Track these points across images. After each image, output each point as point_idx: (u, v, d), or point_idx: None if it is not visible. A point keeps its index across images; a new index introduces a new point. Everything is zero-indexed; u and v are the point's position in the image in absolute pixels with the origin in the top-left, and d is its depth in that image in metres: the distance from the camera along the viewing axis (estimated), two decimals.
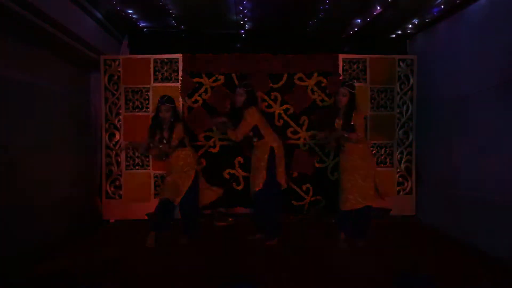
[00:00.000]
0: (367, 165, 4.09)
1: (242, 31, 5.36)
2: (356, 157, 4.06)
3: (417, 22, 5.08)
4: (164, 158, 4.38)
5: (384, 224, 5.10)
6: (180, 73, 5.29)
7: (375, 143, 5.37)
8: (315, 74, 5.42)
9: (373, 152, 5.40)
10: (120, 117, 5.26)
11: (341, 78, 5.35)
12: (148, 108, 5.25)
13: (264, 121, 4.37)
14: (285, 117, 5.46)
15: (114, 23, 5.10)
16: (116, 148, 5.21)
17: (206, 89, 5.40)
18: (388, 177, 5.37)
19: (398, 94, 5.41)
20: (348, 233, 4.19)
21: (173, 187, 4.24)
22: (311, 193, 5.49)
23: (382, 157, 5.43)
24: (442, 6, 4.52)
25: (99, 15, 4.71)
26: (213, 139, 5.42)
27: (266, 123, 4.39)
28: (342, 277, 3.25)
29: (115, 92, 5.26)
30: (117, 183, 5.26)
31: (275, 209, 4.35)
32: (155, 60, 5.28)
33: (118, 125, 5.26)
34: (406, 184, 5.43)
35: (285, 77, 5.43)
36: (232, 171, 5.42)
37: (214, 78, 5.39)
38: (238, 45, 5.62)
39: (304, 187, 5.49)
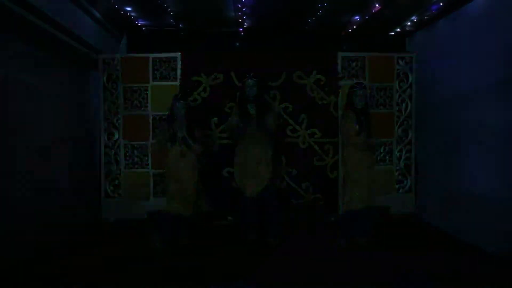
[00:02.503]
0: (374, 162, 4.20)
1: (241, 29, 5.35)
2: (370, 153, 4.15)
3: (416, 19, 5.07)
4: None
5: (384, 222, 5.10)
6: (178, 71, 5.28)
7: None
8: (314, 72, 5.41)
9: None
10: (119, 116, 5.25)
11: (340, 76, 5.35)
12: (147, 107, 5.23)
13: None
14: (284, 115, 5.46)
15: (113, 21, 5.08)
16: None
17: (205, 87, 5.39)
18: (387, 175, 5.38)
19: (397, 92, 5.40)
20: (353, 233, 4.14)
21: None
22: (310, 191, 5.48)
23: (382, 155, 5.42)
24: (441, 4, 4.51)
25: (97, 14, 4.69)
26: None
27: None
28: (343, 276, 3.25)
29: (114, 91, 5.24)
30: (117, 182, 5.26)
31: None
32: (154, 59, 5.26)
33: (117, 124, 5.25)
34: (405, 182, 5.43)
35: (284, 75, 5.42)
36: (231, 170, 5.40)
37: (213, 76, 5.37)
38: (237, 43, 5.61)
39: (303, 186, 5.49)
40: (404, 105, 5.39)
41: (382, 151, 5.42)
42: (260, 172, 4.23)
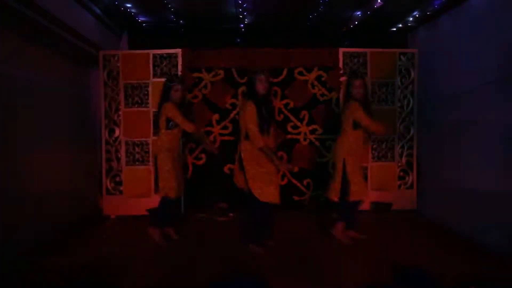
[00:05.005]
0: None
1: (242, 25, 5.33)
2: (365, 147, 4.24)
3: (418, 15, 5.04)
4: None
5: (385, 219, 5.10)
6: (179, 68, 5.27)
7: (376, 138, 5.34)
8: (315, 68, 5.40)
9: (374, 146, 5.38)
10: (120, 112, 5.24)
11: (341, 72, 5.33)
12: (148, 103, 5.22)
13: None
14: (286, 112, 5.45)
15: (113, 18, 5.07)
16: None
17: (206, 84, 5.38)
18: (389, 171, 5.36)
19: (399, 88, 5.38)
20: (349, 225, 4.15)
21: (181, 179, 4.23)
22: (311, 188, 5.48)
23: (383, 152, 5.41)
24: None
25: (97, 10, 4.68)
26: (213, 134, 5.41)
27: None
28: (343, 273, 3.25)
29: (115, 88, 5.23)
30: (118, 179, 5.26)
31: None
32: (154, 55, 5.24)
33: (118, 121, 5.24)
34: (407, 179, 5.42)
35: (285, 71, 5.40)
36: (232, 166, 5.39)
37: (213, 73, 5.37)
38: (238, 40, 5.59)
39: (305, 182, 5.49)
40: (406, 101, 5.37)
41: (384, 147, 5.41)
42: (274, 175, 3.84)
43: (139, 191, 5.22)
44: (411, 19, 5.18)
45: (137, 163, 5.26)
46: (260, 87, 3.72)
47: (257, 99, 3.72)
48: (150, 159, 5.15)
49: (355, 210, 4.11)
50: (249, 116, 3.63)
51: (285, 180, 5.47)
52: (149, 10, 4.95)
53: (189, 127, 3.98)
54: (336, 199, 4.03)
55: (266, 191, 3.66)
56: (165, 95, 3.98)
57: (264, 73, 3.76)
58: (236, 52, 5.31)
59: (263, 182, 3.66)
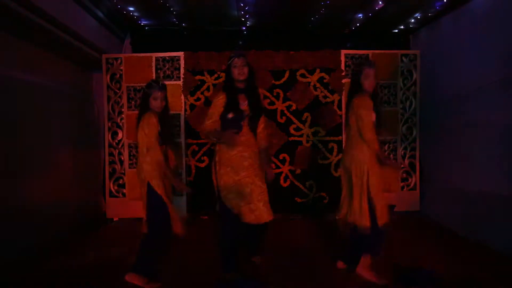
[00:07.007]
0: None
1: (244, 28, 5.35)
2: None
3: (420, 17, 5.05)
4: None
5: (388, 220, 5.08)
6: (182, 70, 5.29)
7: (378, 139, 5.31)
8: (318, 70, 5.41)
9: None
10: (123, 115, 5.26)
11: (343, 73, 5.33)
12: None
13: None
14: (288, 114, 5.45)
15: (116, 21, 5.10)
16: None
17: (208, 86, 5.40)
18: (392, 173, 5.35)
19: (401, 90, 5.37)
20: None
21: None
22: (314, 189, 5.48)
23: (386, 153, 5.40)
24: (445, 0, 4.49)
25: (100, 14, 4.71)
26: None
27: None
28: (345, 275, 3.24)
29: (118, 91, 5.26)
30: (121, 181, 5.27)
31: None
32: (157, 58, 5.27)
33: (121, 124, 5.27)
34: (410, 180, 5.41)
35: (287, 73, 5.42)
36: None
37: (216, 75, 5.38)
38: (240, 42, 5.61)
39: (307, 184, 5.49)
40: (408, 102, 5.37)
41: (387, 149, 5.41)
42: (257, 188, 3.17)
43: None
44: (412, 20, 5.19)
45: None
46: (235, 72, 3.11)
47: (230, 88, 3.16)
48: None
49: (383, 237, 3.13)
50: (211, 108, 3.14)
51: (288, 182, 5.48)
52: (151, 14, 4.98)
53: (156, 154, 3.04)
54: (368, 224, 2.98)
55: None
56: (143, 104, 3.26)
57: (240, 55, 3.13)
58: None
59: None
